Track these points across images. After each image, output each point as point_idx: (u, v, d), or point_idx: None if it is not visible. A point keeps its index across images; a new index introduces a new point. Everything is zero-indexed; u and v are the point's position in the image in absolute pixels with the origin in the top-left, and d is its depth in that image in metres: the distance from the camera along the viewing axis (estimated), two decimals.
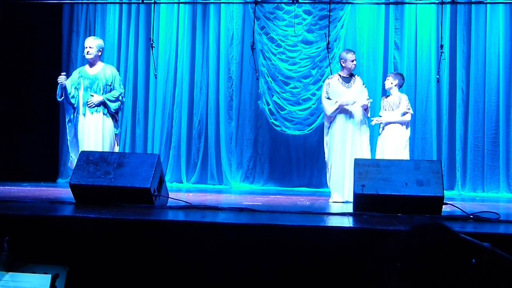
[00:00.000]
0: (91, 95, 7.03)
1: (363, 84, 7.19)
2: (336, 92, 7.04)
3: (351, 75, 7.14)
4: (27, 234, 3.51)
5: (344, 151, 6.98)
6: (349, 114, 7.01)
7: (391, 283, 1.93)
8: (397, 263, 1.90)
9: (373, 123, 7.67)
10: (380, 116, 7.77)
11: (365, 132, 7.10)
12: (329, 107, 7.05)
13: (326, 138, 7.20)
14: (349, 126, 6.99)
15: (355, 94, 7.04)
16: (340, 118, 7.03)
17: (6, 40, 9.84)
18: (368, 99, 7.11)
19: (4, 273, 2.98)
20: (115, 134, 7.32)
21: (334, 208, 5.75)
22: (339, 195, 6.87)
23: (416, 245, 1.88)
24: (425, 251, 1.86)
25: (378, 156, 7.71)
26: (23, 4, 9.54)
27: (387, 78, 7.91)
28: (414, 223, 2.00)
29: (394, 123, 7.67)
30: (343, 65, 7.13)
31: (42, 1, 9.58)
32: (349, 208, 5.05)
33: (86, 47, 7.20)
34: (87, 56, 7.16)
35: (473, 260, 1.98)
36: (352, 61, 7.10)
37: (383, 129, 7.76)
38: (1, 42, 9.77)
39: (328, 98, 7.07)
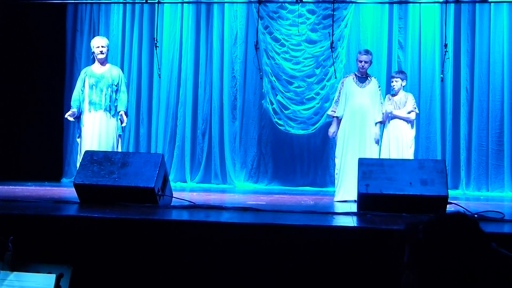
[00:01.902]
0: (123, 116, 7.15)
1: (379, 87, 7.25)
2: (349, 90, 7.13)
3: (368, 76, 7.19)
4: (31, 233, 3.51)
5: (347, 149, 7.01)
6: (358, 116, 7.03)
7: (403, 274, 1.95)
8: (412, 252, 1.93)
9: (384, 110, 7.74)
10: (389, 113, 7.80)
11: (374, 144, 7.09)
12: (330, 110, 7.37)
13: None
14: (356, 127, 7.01)
15: (367, 95, 7.06)
16: (346, 117, 7.07)
17: (10, 40, 9.85)
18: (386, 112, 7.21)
19: (9, 272, 2.98)
20: (119, 135, 7.34)
21: (338, 207, 5.75)
22: (341, 194, 6.91)
23: (433, 235, 1.90)
24: (443, 240, 1.88)
25: (383, 154, 7.73)
26: (27, 4, 9.55)
27: (396, 79, 7.83)
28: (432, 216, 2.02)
29: (399, 118, 7.69)
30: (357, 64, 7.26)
31: (46, 1, 9.59)
32: (353, 208, 5.05)
33: (99, 47, 7.20)
34: (101, 56, 7.17)
35: (493, 244, 2.00)
36: (360, 61, 7.18)
37: (387, 125, 7.78)
38: (5, 41, 9.78)
39: (338, 100, 7.18)
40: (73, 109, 7.21)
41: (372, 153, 6.99)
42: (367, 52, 7.32)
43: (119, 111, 7.20)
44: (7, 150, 9.78)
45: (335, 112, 7.23)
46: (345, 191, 6.92)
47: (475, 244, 1.89)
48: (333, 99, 7.49)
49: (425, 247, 1.90)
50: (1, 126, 9.75)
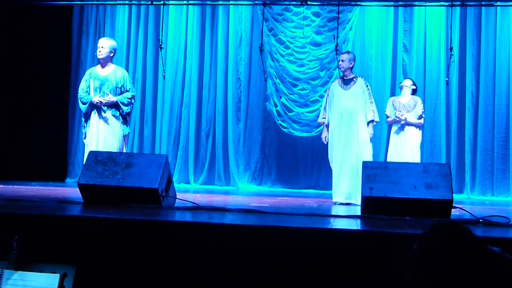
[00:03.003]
0: (106, 94, 7.00)
1: (367, 86, 7.12)
2: (334, 95, 7.12)
3: (353, 78, 7.13)
4: (35, 233, 3.52)
5: (335, 152, 7.03)
6: (345, 118, 7.00)
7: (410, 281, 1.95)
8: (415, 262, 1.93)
9: (398, 115, 7.73)
10: (401, 117, 7.83)
11: (364, 144, 7.02)
12: (320, 118, 7.35)
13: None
14: (342, 130, 6.99)
15: (352, 97, 7.03)
16: (333, 121, 7.08)
17: (17, 41, 9.88)
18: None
19: (13, 272, 2.99)
20: (124, 135, 7.32)
21: (342, 210, 5.74)
22: (338, 195, 6.93)
23: (429, 250, 1.90)
24: (439, 253, 1.88)
25: (391, 158, 7.76)
26: (33, 6, 9.57)
27: (409, 79, 7.99)
28: (432, 225, 2.02)
29: (411, 125, 7.77)
30: None
31: (52, 2, 9.61)
32: (357, 211, 5.05)
33: (99, 47, 7.18)
34: (99, 56, 7.14)
35: (498, 249, 2.00)
36: (338, 60, 7.24)
37: (401, 129, 7.82)
38: (11, 43, 9.81)
39: (325, 107, 7.19)
40: (94, 98, 7.05)
41: (361, 154, 6.90)
42: (345, 52, 7.39)
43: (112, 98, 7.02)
44: (12, 150, 9.80)
45: (325, 118, 7.23)
46: (335, 193, 6.97)
47: (470, 251, 1.89)
48: (321, 106, 7.51)
49: (423, 263, 1.90)
50: (6, 126, 9.77)
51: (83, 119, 7.29)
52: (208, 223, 3.69)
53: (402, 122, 7.84)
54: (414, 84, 8.15)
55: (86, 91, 7.14)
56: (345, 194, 6.86)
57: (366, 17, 9.73)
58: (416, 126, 7.86)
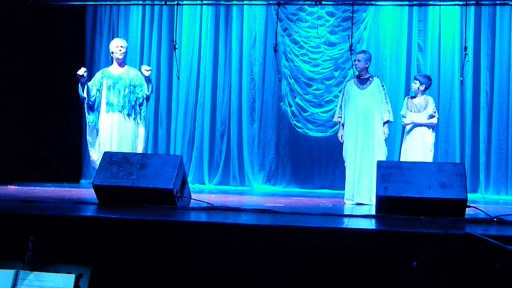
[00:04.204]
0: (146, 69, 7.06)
1: (383, 86, 7.14)
2: (350, 94, 7.10)
3: (369, 77, 7.11)
4: (51, 234, 3.54)
5: (349, 152, 7.02)
6: (361, 118, 6.99)
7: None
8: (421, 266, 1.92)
9: (406, 122, 7.71)
10: (408, 121, 7.77)
11: (379, 144, 7.01)
12: (336, 117, 7.35)
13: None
14: (359, 129, 6.97)
15: (369, 96, 7.02)
16: (349, 120, 7.06)
17: (31, 42, 9.94)
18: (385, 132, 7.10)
19: (29, 272, 3.02)
20: (137, 135, 7.35)
21: (357, 210, 5.73)
22: (354, 195, 6.92)
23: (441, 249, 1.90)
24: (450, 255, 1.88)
25: (403, 158, 7.72)
26: (46, 6, 9.63)
27: (415, 81, 7.88)
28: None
29: (422, 125, 7.69)
30: None
31: (66, 3, 9.67)
32: (371, 210, 5.04)
33: (118, 46, 7.21)
34: (120, 56, 7.18)
35: (497, 264, 1.98)
36: (354, 60, 7.19)
37: (411, 129, 7.75)
38: (25, 44, 9.87)
39: (341, 106, 7.17)
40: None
41: (377, 154, 6.90)
42: (361, 51, 7.35)
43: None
44: (27, 152, 9.87)
45: (341, 117, 7.22)
46: (350, 193, 6.96)
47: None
48: (337, 105, 7.50)
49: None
50: (20, 127, 9.84)
51: (92, 117, 7.30)
52: (223, 223, 3.70)
53: (409, 125, 7.77)
54: (423, 80, 8.01)
55: (98, 89, 7.19)
56: (362, 193, 6.86)
57: (381, 16, 9.70)
58: (429, 126, 7.77)
